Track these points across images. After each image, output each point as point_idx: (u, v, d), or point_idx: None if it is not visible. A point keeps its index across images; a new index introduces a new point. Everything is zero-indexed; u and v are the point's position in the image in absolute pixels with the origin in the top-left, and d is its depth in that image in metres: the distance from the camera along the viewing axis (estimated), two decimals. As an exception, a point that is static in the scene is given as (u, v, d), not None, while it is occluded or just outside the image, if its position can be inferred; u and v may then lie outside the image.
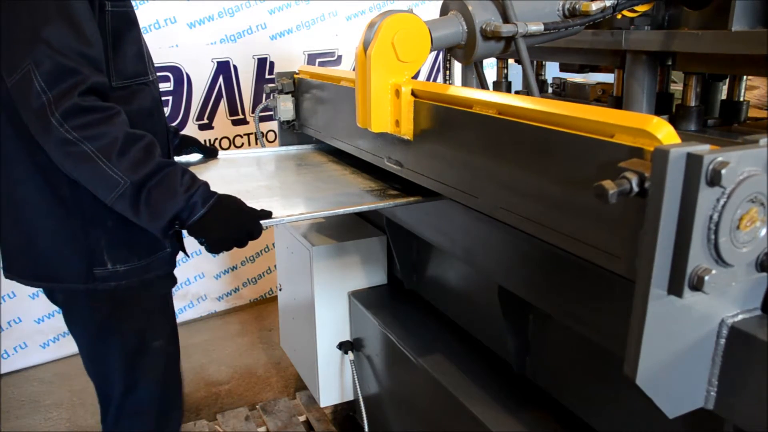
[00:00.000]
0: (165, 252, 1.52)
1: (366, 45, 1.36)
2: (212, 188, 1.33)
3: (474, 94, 1.23)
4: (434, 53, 1.51)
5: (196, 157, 2.01)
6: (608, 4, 1.45)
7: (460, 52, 1.51)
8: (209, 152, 2.04)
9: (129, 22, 1.39)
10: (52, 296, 1.56)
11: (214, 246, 1.32)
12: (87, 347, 1.56)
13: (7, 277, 1.49)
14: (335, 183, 1.81)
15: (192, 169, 1.58)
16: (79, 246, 1.39)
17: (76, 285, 1.42)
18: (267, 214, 1.37)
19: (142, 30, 1.47)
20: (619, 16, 1.58)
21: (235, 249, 1.34)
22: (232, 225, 1.32)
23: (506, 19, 1.42)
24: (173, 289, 1.64)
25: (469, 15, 1.42)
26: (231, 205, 1.34)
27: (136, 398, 1.55)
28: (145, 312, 1.53)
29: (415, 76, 1.46)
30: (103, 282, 1.42)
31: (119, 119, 1.24)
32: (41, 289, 1.55)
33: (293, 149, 2.27)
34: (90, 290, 1.43)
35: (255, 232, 1.34)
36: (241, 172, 1.96)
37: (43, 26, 1.18)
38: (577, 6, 1.46)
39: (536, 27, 1.42)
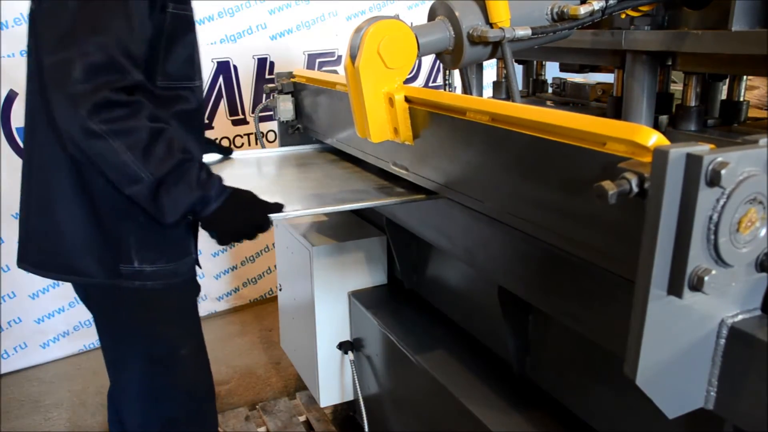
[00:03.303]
0: (191, 258, 1.51)
1: (353, 52, 1.34)
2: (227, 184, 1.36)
3: (466, 101, 1.23)
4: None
5: (214, 157, 2.05)
6: (597, 7, 1.42)
7: (448, 57, 1.48)
8: (225, 151, 2.09)
9: (187, 26, 1.38)
10: (78, 291, 1.56)
11: (224, 238, 1.37)
12: (110, 347, 1.54)
13: (19, 266, 1.46)
14: (343, 180, 1.84)
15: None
16: (108, 241, 1.38)
17: (100, 280, 1.40)
18: (279, 207, 1.42)
19: None
20: (623, 16, 1.57)
21: (236, 248, 1.35)
22: (243, 218, 1.36)
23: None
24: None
25: (456, 20, 1.40)
26: (243, 198, 1.38)
27: (163, 408, 1.53)
28: (172, 318, 1.51)
29: (416, 77, 1.45)
30: (128, 280, 1.40)
31: (143, 113, 1.24)
32: (42, 289, 1.53)
33: (302, 149, 2.29)
34: (113, 287, 1.40)
35: (264, 225, 1.39)
36: (254, 171, 2.01)
37: (101, 17, 1.18)
38: (565, 10, 1.43)
39: (523, 32, 1.39)
